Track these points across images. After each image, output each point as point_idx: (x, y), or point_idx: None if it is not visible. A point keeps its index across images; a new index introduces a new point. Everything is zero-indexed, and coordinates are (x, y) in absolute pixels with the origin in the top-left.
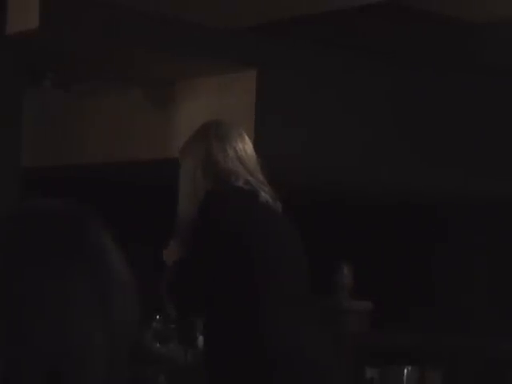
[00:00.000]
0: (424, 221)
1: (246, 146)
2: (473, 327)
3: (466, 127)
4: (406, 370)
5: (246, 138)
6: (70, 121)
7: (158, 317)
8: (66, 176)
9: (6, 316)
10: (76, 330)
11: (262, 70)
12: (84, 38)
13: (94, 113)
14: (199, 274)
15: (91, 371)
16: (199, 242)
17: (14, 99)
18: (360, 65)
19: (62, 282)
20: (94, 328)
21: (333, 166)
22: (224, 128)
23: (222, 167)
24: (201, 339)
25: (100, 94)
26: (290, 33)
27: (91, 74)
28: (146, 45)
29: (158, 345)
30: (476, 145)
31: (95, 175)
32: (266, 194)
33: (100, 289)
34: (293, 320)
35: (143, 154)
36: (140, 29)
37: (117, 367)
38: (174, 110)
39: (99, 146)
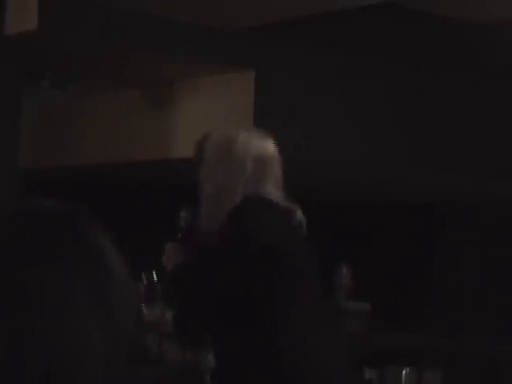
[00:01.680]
0: (423, 221)
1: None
2: (472, 328)
3: (466, 127)
4: (404, 371)
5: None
6: (68, 121)
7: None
8: (64, 176)
9: (4, 316)
10: (75, 330)
11: (261, 70)
12: (82, 39)
13: (92, 113)
14: (224, 280)
15: (90, 371)
16: (235, 249)
17: (13, 99)
18: (359, 65)
19: (60, 282)
20: (93, 328)
21: (331, 166)
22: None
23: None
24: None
25: (98, 94)
26: (288, 33)
27: (89, 74)
28: (144, 45)
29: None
30: (475, 144)
31: (93, 176)
32: (299, 212)
33: (99, 289)
34: (310, 334)
35: (141, 155)
36: (138, 30)
37: (116, 367)
38: (171, 110)
39: (97, 146)
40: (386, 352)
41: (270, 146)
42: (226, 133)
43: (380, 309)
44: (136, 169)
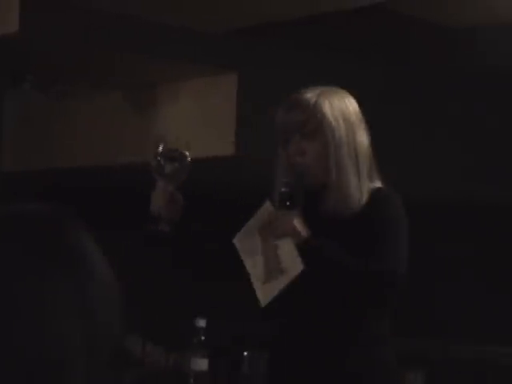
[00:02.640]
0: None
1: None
2: (454, 329)
3: (456, 130)
4: None
5: None
6: (49, 124)
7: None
8: (46, 179)
9: None
10: (54, 330)
11: (243, 73)
12: (64, 42)
13: (74, 116)
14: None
15: (70, 372)
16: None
17: None
18: (342, 68)
19: (41, 282)
20: (74, 329)
21: None
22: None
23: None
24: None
25: (80, 97)
26: (270, 36)
27: (71, 77)
28: (126, 48)
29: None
30: (464, 148)
31: (74, 178)
32: None
33: (82, 290)
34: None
35: (123, 158)
36: (120, 32)
37: (98, 369)
38: (154, 113)
39: (78, 149)
40: None
41: None
42: None
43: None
44: (118, 171)
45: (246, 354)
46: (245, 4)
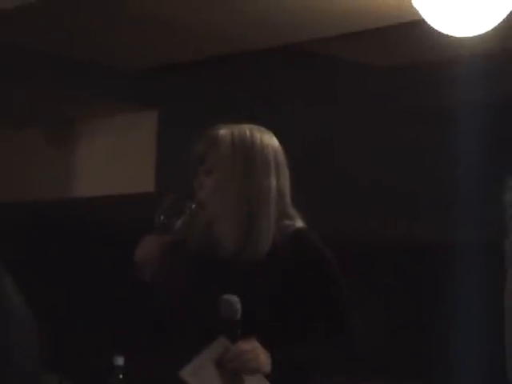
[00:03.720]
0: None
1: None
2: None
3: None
4: None
5: None
6: None
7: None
8: None
9: None
10: None
11: (163, 110)
12: None
13: None
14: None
15: None
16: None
17: None
18: (263, 107)
19: None
20: None
21: None
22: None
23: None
24: None
25: None
26: (190, 74)
27: None
28: (45, 84)
29: None
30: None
31: None
32: None
33: None
34: None
35: (40, 195)
36: (38, 68)
37: None
38: (72, 150)
39: None
40: None
41: None
42: None
43: None
44: (34, 208)
45: None
46: (161, 43)
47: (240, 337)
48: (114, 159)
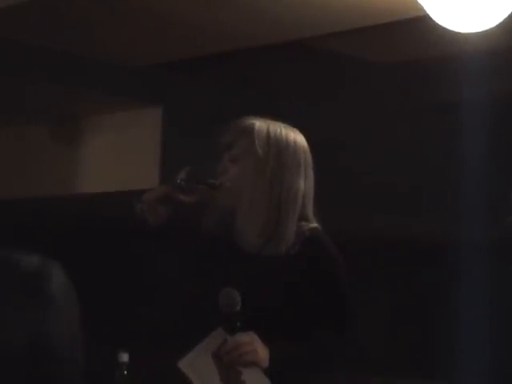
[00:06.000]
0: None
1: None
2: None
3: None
4: None
5: None
6: None
7: None
8: None
9: None
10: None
11: (168, 106)
12: None
13: None
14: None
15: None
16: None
17: None
18: (265, 104)
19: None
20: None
21: None
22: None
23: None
24: None
25: (3, 129)
26: (195, 69)
27: None
28: (51, 80)
29: None
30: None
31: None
32: None
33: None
34: None
35: (48, 191)
36: (44, 64)
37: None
38: (77, 146)
39: (1, 182)
40: None
41: None
42: None
43: None
44: (44, 204)
45: None
46: (166, 39)
47: (239, 329)
48: (118, 156)
